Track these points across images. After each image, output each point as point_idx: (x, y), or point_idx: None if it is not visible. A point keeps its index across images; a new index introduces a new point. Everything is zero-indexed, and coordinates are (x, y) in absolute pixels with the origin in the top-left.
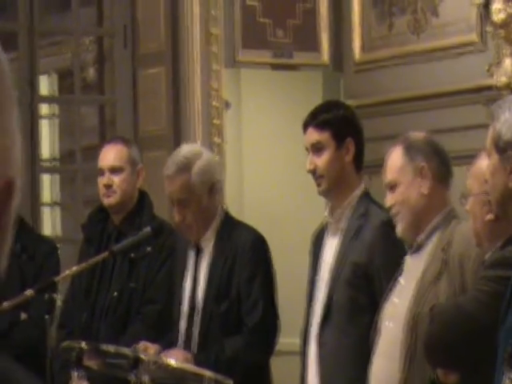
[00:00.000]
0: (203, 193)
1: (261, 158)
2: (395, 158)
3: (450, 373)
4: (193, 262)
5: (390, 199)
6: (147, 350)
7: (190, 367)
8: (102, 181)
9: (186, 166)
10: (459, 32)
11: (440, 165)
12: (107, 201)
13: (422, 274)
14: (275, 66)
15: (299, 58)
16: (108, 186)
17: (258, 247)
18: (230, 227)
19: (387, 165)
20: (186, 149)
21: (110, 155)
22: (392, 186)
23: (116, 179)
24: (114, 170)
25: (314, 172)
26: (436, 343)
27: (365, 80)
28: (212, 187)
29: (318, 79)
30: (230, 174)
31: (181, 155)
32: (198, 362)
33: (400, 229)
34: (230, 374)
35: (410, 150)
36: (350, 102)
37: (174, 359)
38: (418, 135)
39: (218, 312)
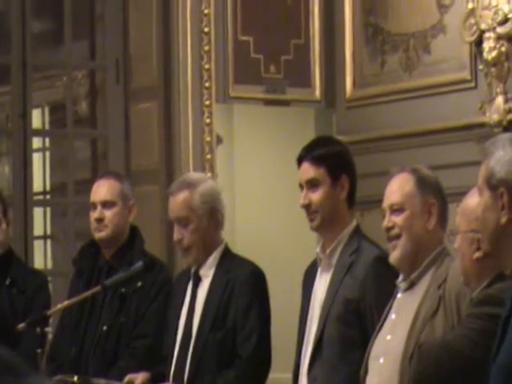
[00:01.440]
0: (204, 215)
1: (253, 192)
2: (405, 184)
3: None
4: (190, 290)
5: (391, 220)
6: (134, 381)
7: None
8: (94, 215)
9: (189, 185)
10: (451, 70)
11: (445, 205)
12: (98, 235)
13: (416, 310)
14: (268, 102)
15: (292, 93)
16: (99, 220)
17: (257, 280)
18: (231, 259)
19: (394, 187)
20: (193, 173)
21: (103, 189)
22: (396, 209)
23: (108, 213)
24: (106, 205)
25: (308, 207)
26: (424, 381)
27: (357, 116)
28: (214, 213)
29: (310, 115)
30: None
31: (187, 176)
32: None
33: (397, 254)
34: None
35: (423, 183)
36: (341, 138)
37: None
38: (428, 171)
39: (214, 340)
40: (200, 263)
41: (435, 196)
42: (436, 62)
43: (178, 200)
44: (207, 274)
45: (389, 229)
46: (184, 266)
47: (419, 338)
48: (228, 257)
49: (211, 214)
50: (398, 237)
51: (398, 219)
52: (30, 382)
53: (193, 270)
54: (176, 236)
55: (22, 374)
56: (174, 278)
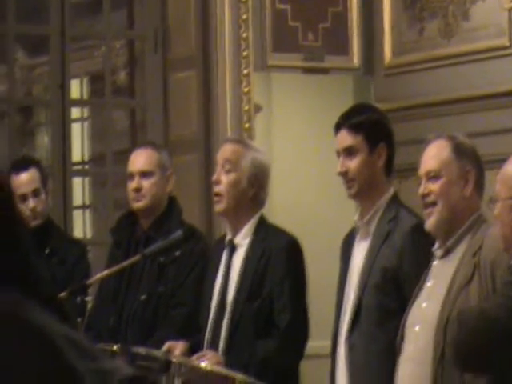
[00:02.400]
0: (247, 176)
1: (291, 161)
2: (442, 150)
3: (478, 378)
4: (225, 259)
5: (427, 187)
6: (173, 349)
7: (222, 370)
8: (132, 185)
9: (246, 144)
10: (490, 36)
11: (481, 172)
12: (136, 205)
13: (452, 277)
14: (306, 70)
15: (330, 61)
16: (137, 190)
17: (293, 250)
18: (266, 228)
19: (430, 154)
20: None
21: (140, 159)
22: (432, 176)
23: (145, 183)
24: (144, 175)
25: (345, 175)
26: (464, 349)
27: (395, 84)
28: (256, 183)
29: (348, 83)
30: None
31: (248, 139)
32: (229, 363)
33: (433, 221)
34: (261, 378)
35: (459, 150)
36: (380, 106)
37: (205, 361)
38: (465, 139)
39: (250, 310)
40: (228, 220)
41: (472, 163)
42: (475, 29)
43: (232, 147)
44: (242, 243)
45: (424, 196)
46: (221, 228)
47: (454, 306)
48: (263, 226)
49: (253, 183)
50: (433, 204)
51: (434, 186)
52: (102, 365)
53: (228, 239)
54: (214, 177)
55: (95, 357)
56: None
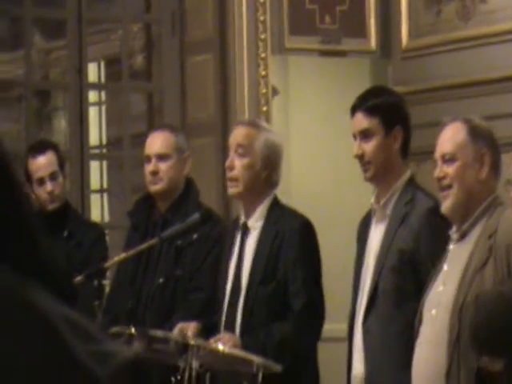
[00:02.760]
0: (260, 158)
1: (308, 144)
2: (457, 133)
3: (496, 360)
4: (239, 242)
5: (442, 170)
6: (185, 330)
7: (239, 353)
8: (149, 168)
9: (258, 126)
10: (507, 18)
11: (497, 155)
12: (153, 188)
13: (467, 261)
14: (323, 53)
15: (347, 44)
16: (154, 173)
17: (306, 232)
18: (279, 210)
19: (446, 137)
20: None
21: (157, 142)
22: (448, 159)
23: (162, 166)
24: (161, 158)
25: (361, 158)
26: (482, 332)
27: (412, 66)
28: (269, 164)
29: (365, 65)
30: None
31: (259, 120)
32: (245, 345)
33: (448, 204)
34: (277, 359)
35: (475, 132)
36: (397, 89)
37: (222, 344)
38: (481, 121)
39: (264, 292)
40: (242, 202)
41: (487, 145)
42: (492, 11)
43: (244, 131)
44: (256, 225)
45: (440, 179)
46: (237, 210)
47: (469, 289)
48: (277, 208)
49: (267, 165)
50: (449, 187)
51: (450, 169)
52: (106, 347)
53: (241, 222)
54: (228, 162)
55: (96, 339)
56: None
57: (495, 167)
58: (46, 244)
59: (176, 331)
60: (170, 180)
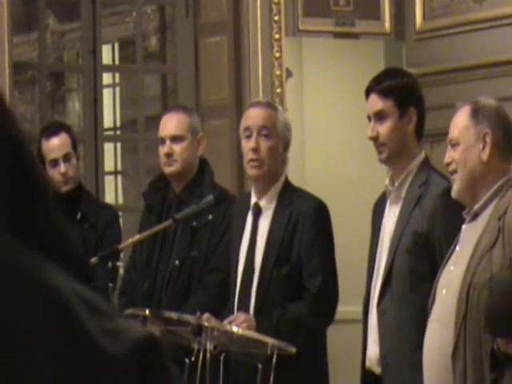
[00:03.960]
0: (281, 139)
1: (322, 126)
2: (461, 117)
3: (511, 342)
4: (251, 223)
5: (450, 155)
6: (209, 320)
7: (254, 334)
8: (163, 150)
9: (274, 106)
10: None
11: (504, 135)
12: (168, 169)
13: (476, 242)
14: (337, 35)
15: (361, 26)
16: (169, 155)
17: (320, 214)
18: (292, 192)
19: (454, 122)
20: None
21: (171, 124)
22: (454, 144)
23: (177, 148)
24: (175, 139)
25: (375, 139)
26: (496, 313)
27: (426, 48)
28: (285, 144)
29: (379, 47)
30: (292, 143)
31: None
32: (260, 323)
33: (455, 189)
34: (291, 338)
35: (478, 113)
36: (411, 71)
37: (236, 325)
38: (488, 101)
39: (279, 275)
40: (260, 183)
41: (491, 125)
42: None
43: (265, 112)
44: (268, 206)
45: (448, 164)
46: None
47: (477, 270)
48: (289, 189)
49: (285, 146)
50: (455, 171)
51: (455, 154)
52: (119, 325)
53: (252, 202)
54: (253, 143)
55: (109, 316)
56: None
57: (501, 148)
58: (60, 223)
59: (204, 318)
60: (184, 161)
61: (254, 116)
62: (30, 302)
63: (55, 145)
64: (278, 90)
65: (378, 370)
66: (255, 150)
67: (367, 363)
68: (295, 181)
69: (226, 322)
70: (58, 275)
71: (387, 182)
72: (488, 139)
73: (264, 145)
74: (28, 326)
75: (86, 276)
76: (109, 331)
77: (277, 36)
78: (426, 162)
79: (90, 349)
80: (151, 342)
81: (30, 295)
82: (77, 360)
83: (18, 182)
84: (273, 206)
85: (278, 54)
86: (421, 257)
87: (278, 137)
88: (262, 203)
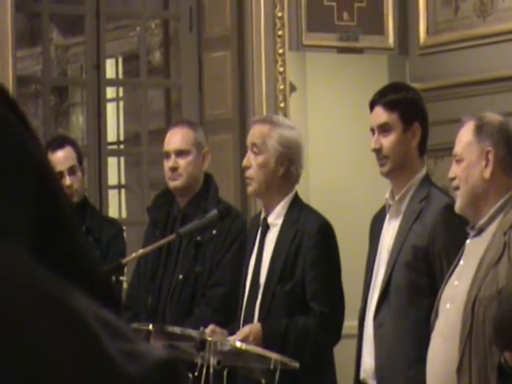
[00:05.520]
0: (275, 156)
1: (326, 140)
2: (465, 133)
3: None
4: (259, 239)
5: (454, 170)
6: (215, 332)
7: (257, 349)
8: (168, 164)
9: (273, 123)
10: None
11: (507, 154)
12: (173, 184)
13: (481, 256)
14: (341, 50)
15: (365, 41)
16: (174, 169)
17: (326, 232)
18: (299, 209)
19: (458, 137)
20: (284, 118)
21: (176, 138)
22: (458, 160)
23: (182, 162)
24: (180, 153)
25: (378, 152)
26: (504, 326)
27: (430, 63)
28: (286, 161)
29: (383, 62)
30: None
31: (276, 116)
32: (267, 331)
33: (458, 204)
34: (298, 349)
35: (481, 130)
36: (415, 86)
37: (242, 339)
38: (493, 117)
39: (282, 292)
40: (261, 200)
41: (494, 143)
42: (510, 8)
43: (258, 129)
44: (275, 222)
45: (452, 179)
46: (256, 207)
47: (482, 285)
48: (297, 206)
49: (283, 161)
50: (458, 187)
51: (458, 170)
52: (138, 347)
53: (262, 217)
54: (245, 161)
55: (128, 339)
56: (248, 225)
57: (504, 165)
58: (86, 245)
59: (208, 330)
60: (189, 176)
61: (249, 134)
62: (54, 325)
63: (60, 158)
64: (282, 105)
65: (373, 382)
66: (245, 167)
67: (362, 375)
68: (299, 195)
69: (236, 336)
70: (82, 298)
71: (387, 195)
72: (491, 157)
73: (254, 162)
74: (51, 349)
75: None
76: (129, 353)
77: (280, 51)
78: (427, 178)
79: (110, 372)
80: (170, 365)
81: (53, 319)
82: (98, 382)
83: (43, 202)
84: (280, 222)
85: (281, 69)
86: (420, 271)
87: (269, 152)
88: (270, 219)
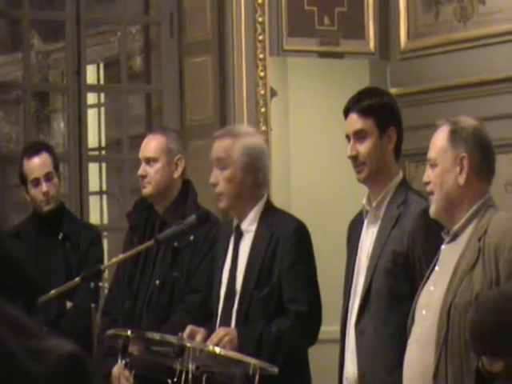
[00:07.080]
0: (241, 168)
1: (307, 145)
2: (439, 138)
3: (496, 361)
4: (232, 245)
5: (427, 175)
6: (194, 333)
7: (236, 355)
8: (139, 171)
9: (234, 134)
10: (506, 20)
11: (482, 159)
12: (143, 191)
13: (456, 262)
14: (322, 54)
15: (346, 45)
16: (143, 177)
17: (301, 235)
18: (273, 213)
19: (432, 141)
20: (243, 125)
21: (146, 146)
22: (432, 164)
23: (150, 170)
24: (149, 161)
25: (355, 159)
26: (481, 331)
27: (411, 68)
28: (253, 169)
29: (364, 67)
30: (277, 162)
31: (235, 126)
32: (242, 336)
33: (433, 209)
34: (273, 353)
35: (455, 136)
36: (396, 90)
37: (219, 342)
38: (468, 122)
39: (259, 296)
40: (234, 213)
41: (468, 148)
42: (491, 13)
43: (220, 143)
44: (249, 228)
45: (426, 184)
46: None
47: (457, 291)
48: (270, 211)
49: (250, 170)
50: (432, 192)
51: (433, 175)
52: (45, 344)
53: (234, 224)
54: (211, 179)
55: (37, 336)
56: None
57: (479, 172)
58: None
59: (187, 331)
60: (156, 183)
61: (213, 149)
62: None
63: (37, 164)
64: (263, 110)
65: None
66: (213, 184)
67: (345, 382)
68: (280, 200)
69: (210, 340)
70: None
71: (364, 201)
72: (465, 163)
73: (220, 177)
74: None
75: (29, 295)
76: (33, 351)
77: (261, 56)
78: (404, 182)
79: (12, 369)
80: (76, 359)
81: None
82: (2, 382)
83: None
84: (254, 227)
85: (262, 74)
86: (400, 277)
87: (234, 165)
88: (244, 226)
